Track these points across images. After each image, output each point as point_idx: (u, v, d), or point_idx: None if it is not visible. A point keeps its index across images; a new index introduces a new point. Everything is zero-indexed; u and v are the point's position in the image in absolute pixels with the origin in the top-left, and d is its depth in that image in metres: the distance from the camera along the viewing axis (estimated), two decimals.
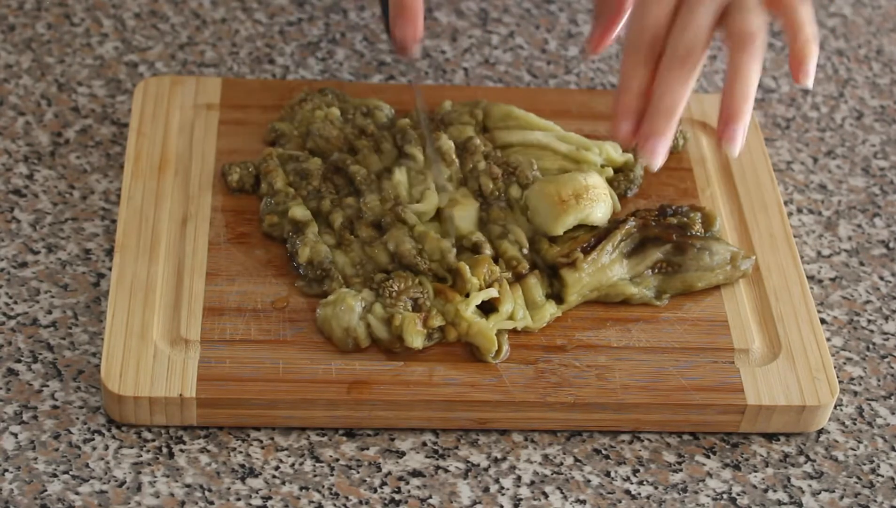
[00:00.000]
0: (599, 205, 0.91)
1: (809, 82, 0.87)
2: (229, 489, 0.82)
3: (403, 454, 0.84)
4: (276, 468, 0.83)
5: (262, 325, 0.86)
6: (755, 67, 0.86)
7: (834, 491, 0.85)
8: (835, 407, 0.89)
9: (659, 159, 0.86)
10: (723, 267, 0.91)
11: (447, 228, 0.92)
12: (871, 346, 0.93)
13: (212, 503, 0.81)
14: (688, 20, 0.86)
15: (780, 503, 0.84)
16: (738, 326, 0.89)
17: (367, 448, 0.84)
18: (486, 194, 0.93)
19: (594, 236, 0.90)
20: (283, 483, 0.82)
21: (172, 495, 0.81)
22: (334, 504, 0.81)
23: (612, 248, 0.90)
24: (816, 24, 0.87)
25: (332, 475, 0.83)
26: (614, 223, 0.91)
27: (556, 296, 0.89)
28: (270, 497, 0.81)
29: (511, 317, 0.87)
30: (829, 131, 1.08)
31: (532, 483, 0.83)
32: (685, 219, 0.93)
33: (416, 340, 0.85)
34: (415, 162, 0.94)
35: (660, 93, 0.86)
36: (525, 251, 0.90)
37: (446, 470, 0.84)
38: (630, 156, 0.97)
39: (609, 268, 0.89)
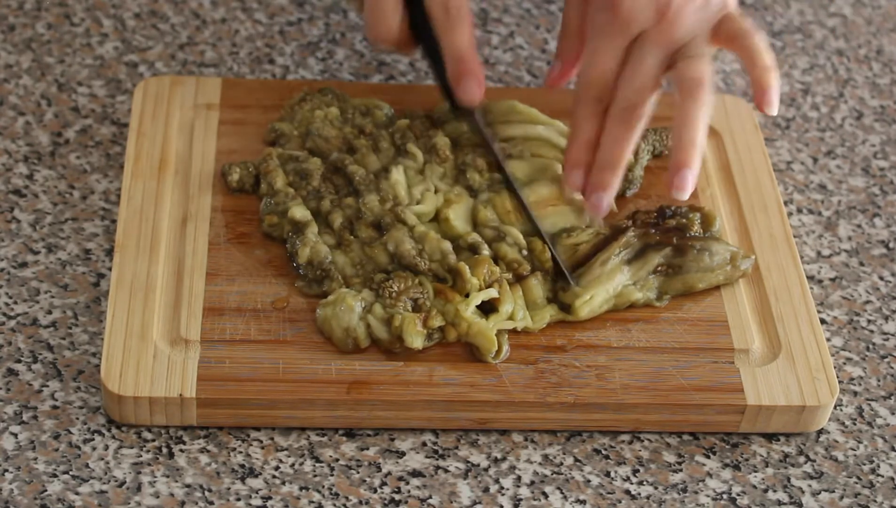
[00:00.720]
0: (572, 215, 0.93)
1: (774, 110, 0.89)
2: (229, 489, 0.82)
3: (403, 454, 0.84)
4: (276, 468, 0.83)
5: (262, 325, 0.86)
6: (703, 114, 0.89)
7: (834, 491, 0.85)
8: (835, 407, 0.89)
9: (602, 211, 0.91)
10: (723, 267, 0.91)
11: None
12: (870, 346, 0.93)
13: (212, 503, 0.81)
14: (633, 71, 0.89)
15: (780, 503, 0.84)
16: (738, 326, 0.89)
17: (367, 448, 0.84)
18: (475, 188, 0.93)
19: (592, 246, 0.90)
20: (283, 483, 0.82)
21: (172, 495, 0.81)
22: (334, 504, 0.81)
23: (614, 257, 0.90)
24: (772, 52, 0.90)
25: (332, 475, 0.83)
26: (614, 230, 0.91)
27: (564, 306, 0.89)
28: (270, 497, 0.81)
29: (511, 317, 0.87)
30: (829, 131, 1.08)
31: (532, 483, 0.83)
32: (684, 220, 0.93)
33: (416, 340, 0.85)
34: (414, 161, 0.94)
35: (605, 147, 0.90)
36: (525, 253, 0.90)
37: (446, 470, 0.84)
38: (630, 156, 0.97)
39: (611, 278, 0.89)
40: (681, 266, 0.90)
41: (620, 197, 0.96)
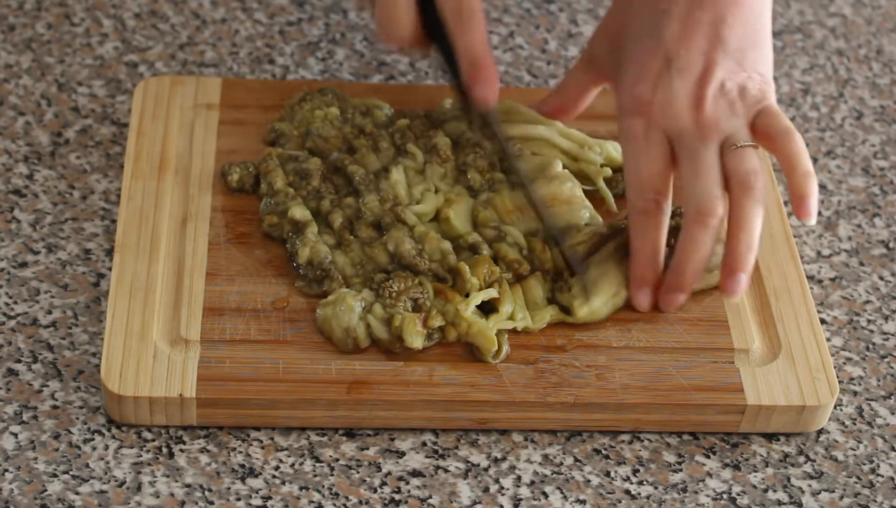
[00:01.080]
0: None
1: (812, 220, 0.87)
2: (229, 489, 0.82)
3: (403, 454, 0.84)
4: (276, 468, 0.83)
5: (262, 325, 0.86)
6: (760, 211, 0.86)
7: (834, 491, 0.85)
8: (835, 407, 0.89)
9: (675, 307, 0.89)
10: (720, 268, 0.91)
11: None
12: (871, 346, 0.93)
13: (212, 503, 0.81)
14: (695, 170, 0.86)
15: (780, 503, 0.84)
16: (738, 326, 0.89)
17: (367, 448, 0.84)
18: (475, 188, 0.93)
19: (589, 245, 0.90)
20: (283, 483, 0.82)
21: (172, 495, 0.81)
22: (334, 504, 0.81)
23: (609, 257, 0.90)
24: (808, 156, 0.88)
25: (332, 475, 0.83)
26: (612, 229, 0.91)
27: (564, 308, 0.89)
28: (270, 497, 0.81)
29: (511, 317, 0.87)
30: (829, 131, 1.08)
31: (532, 483, 0.83)
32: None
33: (416, 340, 0.85)
34: (414, 161, 0.94)
35: (685, 252, 0.87)
36: (525, 253, 0.90)
37: (446, 470, 0.84)
38: None
39: (607, 278, 0.89)
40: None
41: (620, 197, 0.96)
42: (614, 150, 0.97)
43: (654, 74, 0.88)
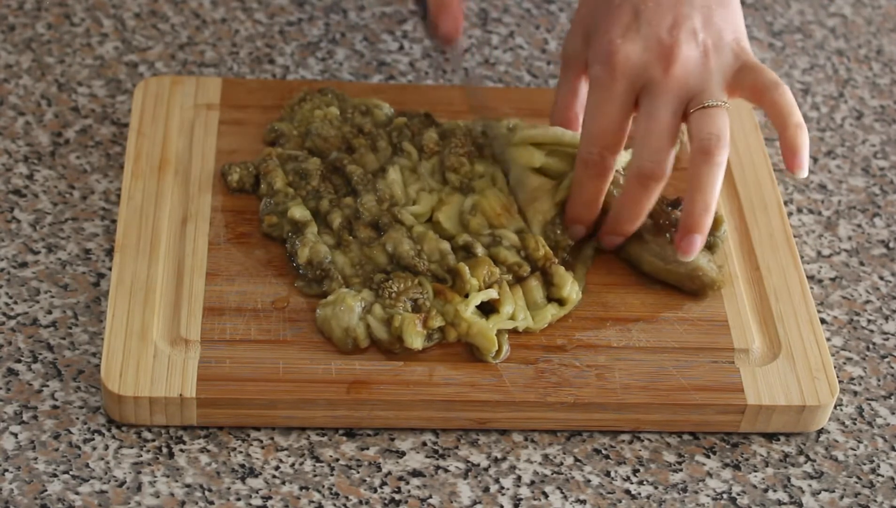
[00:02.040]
0: None
1: (804, 173, 0.85)
2: (229, 489, 0.82)
3: (403, 454, 0.84)
4: (276, 468, 0.83)
5: (262, 325, 0.86)
6: (718, 175, 0.85)
7: (834, 491, 0.85)
8: (835, 407, 0.89)
9: (615, 245, 0.91)
10: (675, 270, 0.90)
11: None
12: (871, 346, 0.93)
13: (212, 503, 0.81)
14: (648, 129, 0.85)
15: (780, 503, 0.84)
16: (738, 326, 0.89)
17: (367, 448, 0.84)
18: (456, 187, 0.93)
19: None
20: (283, 483, 0.82)
21: (172, 495, 0.81)
22: (334, 504, 0.81)
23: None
24: (798, 108, 0.86)
25: (332, 475, 0.83)
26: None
27: (557, 300, 0.89)
28: (270, 497, 0.81)
29: (512, 317, 0.87)
30: (829, 131, 1.08)
31: (532, 483, 0.83)
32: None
33: (416, 341, 0.85)
34: (409, 159, 0.94)
35: (622, 208, 0.88)
36: (523, 254, 0.90)
37: (446, 470, 0.84)
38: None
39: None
40: (647, 242, 0.90)
41: None
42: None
43: (623, 25, 0.86)
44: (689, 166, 0.85)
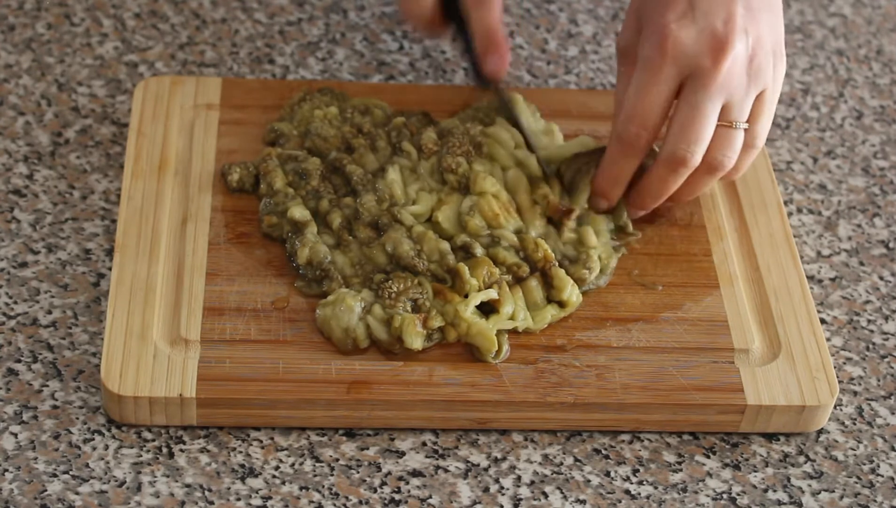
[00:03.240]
0: None
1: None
2: (229, 489, 0.82)
3: (403, 454, 0.84)
4: (276, 468, 0.83)
5: (262, 325, 0.86)
6: (701, 190, 0.92)
7: (834, 491, 0.85)
8: (835, 407, 0.89)
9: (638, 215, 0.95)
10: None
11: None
12: (871, 346, 0.93)
13: (212, 503, 0.81)
14: (690, 120, 0.87)
15: (780, 503, 0.84)
16: (738, 326, 0.89)
17: (367, 448, 0.84)
18: (455, 187, 0.93)
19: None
20: (283, 483, 0.82)
21: (172, 495, 0.81)
22: (334, 504, 0.81)
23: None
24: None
25: (332, 475, 0.83)
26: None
27: (558, 302, 0.89)
28: (270, 497, 0.81)
29: (512, 318, 0.87)
30: (829, 131, 1.08)
31: (532, 483, 0.83)
32: None
33: (416, 341, 0.85)
34: (409, 159, 0.94)
35: (650, 185, 0.91)
36: (521, 254, 0.90)
37: (446, 470, 0.84)
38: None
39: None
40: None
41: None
42: None
43: (678, 12, 0.87)
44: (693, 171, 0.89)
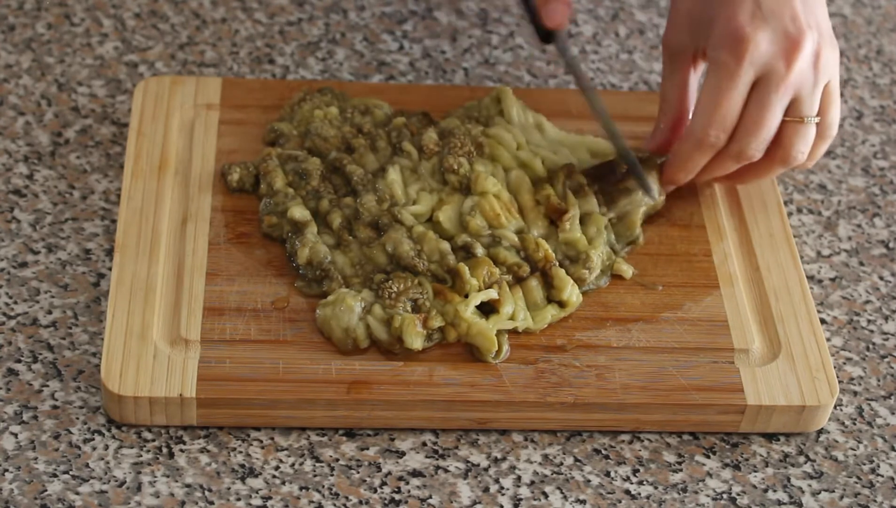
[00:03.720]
0: None
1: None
2: (229, 489, 0.82)
3: (403, 454, 0.84)
4: (276, 468, 0.83)
5: (262, 325, 0.86)
6: (768, 177, 0.95)
7: (834, 491, 0.85)
8: (835, 407, 0.89)
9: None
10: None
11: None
12: (871, 346, 0.93)
13: (212, 503, 0.81)
14: (761, 118, 0.89)
15: (780, 503, 0.84)
16: (738, 326, 0.89)
17: (367, 448, 0.84)
18: (456, 187, 0.93)
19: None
20: (283, 483, 0.82)
21: (172, 495, 0.81)
22: (334, 504, 0.81)
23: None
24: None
25: (332, 475, 0.83)
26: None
27: (557, 302, 0.89)
28: (270, 497, 0.81)
29: (512, 318, 0.87)
30: None
31: (532, 483, 0.83)
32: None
33: (416, 341, 0.85)
34: (409, 159, 0.94)
35: (712, 169, 0.92)
36: (521, 254, 0.90)
37: (446, 470, 0.84)
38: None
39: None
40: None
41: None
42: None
43: (748, 13, 0.87)
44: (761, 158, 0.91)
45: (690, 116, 0.94)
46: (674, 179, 0.94)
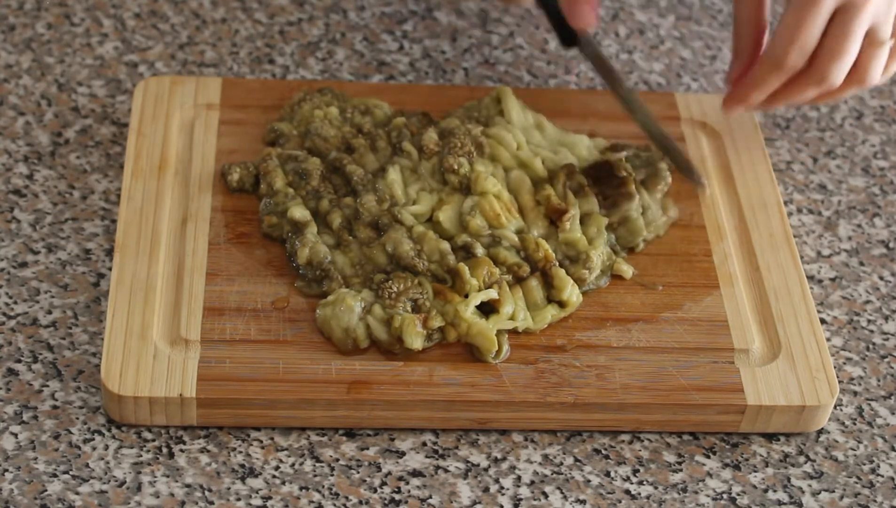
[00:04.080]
0: None
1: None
2: (229, 489, 0.82)
3: (403, 454, 0.84)
4: (276, 468, 0.83)
5: (262, 325, 0.86)
6: (845, 96, 0.96)
7: (834, 491, 0.85)
8: (835, 407, 0.89)
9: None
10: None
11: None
12: (871, 346, 0.93)
13: (212, 503, 0.81)
14: (842, 47, 0.91)
15: (780, 503, 0.84)
16: (738, 326, 0.89)
17: (367, 448, 0.84)
18: (456, 187, 0.93)
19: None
20: (283, 483, 0.82)
21: (172, 495, 0.81)
22: (334, 504, 0.81)
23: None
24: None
25: (332, 475, 0.83)
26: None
27: (558, 302, 0.89)
28: (270, 497, 0.81)
29: (512, 318, 0.87)
30: (829, 131, 1.08)
31: (532, 483, 0.83)
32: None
33: (416, 341, 0.85)
34: (409, 159, 0.94)
35: (790, 94, 0.94)
36: (521, 254, 0.90)
37: (446, 470, 0.84)
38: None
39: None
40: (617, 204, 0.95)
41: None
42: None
43: None
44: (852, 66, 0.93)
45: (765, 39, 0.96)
46: (746, 100, 0.95)
